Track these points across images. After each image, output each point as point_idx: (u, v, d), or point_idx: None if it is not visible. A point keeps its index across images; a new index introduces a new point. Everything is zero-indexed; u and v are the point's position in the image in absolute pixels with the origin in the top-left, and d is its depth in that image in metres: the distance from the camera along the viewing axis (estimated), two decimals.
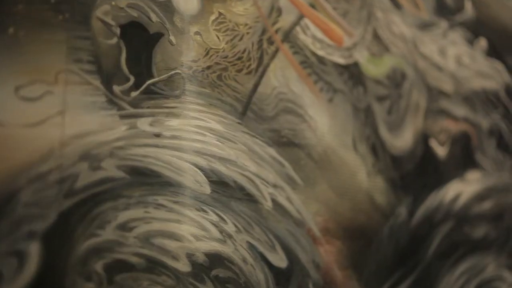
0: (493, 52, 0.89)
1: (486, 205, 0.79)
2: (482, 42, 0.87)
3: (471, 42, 0.85)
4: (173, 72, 0.48)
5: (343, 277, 0.58)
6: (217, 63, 0.51)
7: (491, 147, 0.83)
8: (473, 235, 0.76)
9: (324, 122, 0.60)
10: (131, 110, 0.46)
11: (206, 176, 0.48)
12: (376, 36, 0.68)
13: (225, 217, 0.48)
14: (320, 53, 0.61)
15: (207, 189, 0.48)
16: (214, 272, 0.47)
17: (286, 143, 0.55)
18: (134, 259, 0.43)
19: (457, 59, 0.81)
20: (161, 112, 0.47)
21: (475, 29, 0.86)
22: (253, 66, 0.54)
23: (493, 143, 0.83)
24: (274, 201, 0.53)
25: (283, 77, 0.56)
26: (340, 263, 0.58)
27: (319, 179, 0.58)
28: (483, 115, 0.83)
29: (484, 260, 0.77)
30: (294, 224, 0.54)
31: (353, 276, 0.59)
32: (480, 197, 0.78)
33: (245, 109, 0.53)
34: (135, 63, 0.47)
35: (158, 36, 0.48)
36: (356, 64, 0.65)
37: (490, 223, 0.79)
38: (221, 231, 0.48)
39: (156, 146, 0.46)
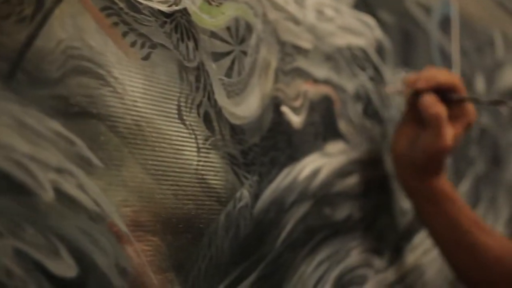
0: (362, 4, 0.83)
1: (350, 181, 0.73)
2: None
3: None
4: None
5: (161, 282, 0.49)
6: None
7: (357, 113, 0.77)
8: (335, 217, 0.70)
9: (136, 86, 0.50)
10: None
11: None
12: None
13: None
14: None
15: None
16: None
17: (79, 114, 0.45)
18: None
19: (318, 11, 0.74)
20: None
21: None
22: (28, 12, 0.43)
23: (359, 108, 0.78)
24: (57, 190, 0.43)
25: (74, 28, 0.46)
26: (157, 265, 0.49)
27: (128, 159, 0.48)
28: (348, 77, 0.76)
29: (348, 244, 0.72)
30: (89, 219, 0.44)
31: (175, 280, 0.51)
32: (343, 172, 0.73)
33: (14, 70, 0.42)
34: None
35: None
36: (184, 13, 0.55)
37: (355, 201, 0.74)
38: None
39: None
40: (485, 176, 1.16)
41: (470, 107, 0.74)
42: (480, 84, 1.18)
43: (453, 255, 0.79)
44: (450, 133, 0.71)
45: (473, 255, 0.77)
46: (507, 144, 1.28)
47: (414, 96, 0.73)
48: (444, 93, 0.72)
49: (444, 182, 0.75)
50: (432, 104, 0.70)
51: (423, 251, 0.89)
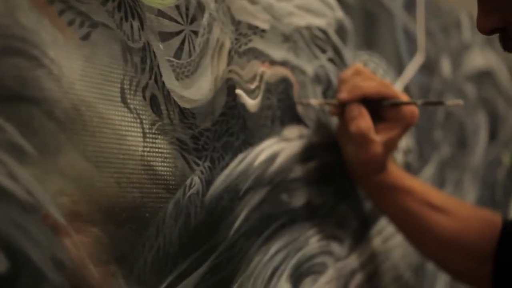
0: None
1: (310, 167, 0.72)
2: None
3: None
4: None
5: (103, 275, 0.47)
6: None
7: (318, 95, 0.76)
8: (293, 204, 0.68)
9: (74, 67, 0.47)
10: None
11: None
12: None
13: None
14: None
15: None
16: None
17: (9, 98, 0.42)
18: None
19: None
20: None
21: None
22: None
23: (319, 91, 0.76)
24: None
25: (5, 5, 0.43)
26: (98, 257, 0.47)
27: (65, 146, 0.46)
28: (307, 58, 0.74)
29: (307, 232, 0.70)
30: (22, 210, 0.42)
31: (118, 272, 0.48)
32: (302, 157, 0.71)
33: None
34: None
35: None
36: None
37: (315, 187, 0.72)
38: None
39: None
40: (450, 159, 1.15)
41: (407, 110, 0.72)
42: (446, 66, 1.17)
43: (410, 238, 0.81)
44: (376, 144, 0.70)
45: (427, 236, 0.78)
46: (473, 127, 1.27)
47: (340, 107, 0.71)
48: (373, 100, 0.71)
49: (389, 173, 0.76)
50: (355, 118, 0.69)
51: (386, 236, 0.88)
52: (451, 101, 0.68)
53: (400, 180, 0.77)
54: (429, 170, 1.06)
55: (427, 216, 0.77)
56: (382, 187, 0.76)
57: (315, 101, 0.74)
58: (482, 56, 1.36)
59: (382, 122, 0.71)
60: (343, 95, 0.70)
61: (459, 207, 0.82)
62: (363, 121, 0.68)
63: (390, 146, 0.73)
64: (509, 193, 1.54)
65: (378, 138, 0.69)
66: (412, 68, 1.01)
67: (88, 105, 0.48)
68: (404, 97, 0.72)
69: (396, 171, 0.77)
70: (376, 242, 0.86)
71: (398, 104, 0.71)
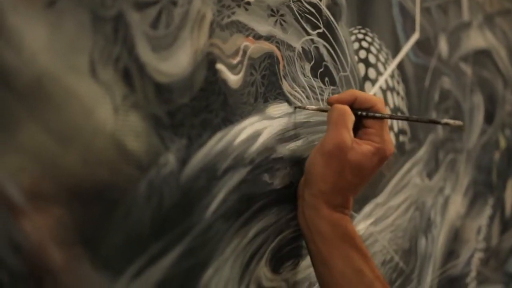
0: None
1: (294, 146, 0.69)
2: None
3: None
4: None
5: (66, 259, 0.44)
6: None
7: (306, 71, 0.72)
8: (274, 185, 0.66)
9: (37, 37, 0.44)
10: None
11: None
12: None
13: None
14: None
15: None
16: None
17: None
18: None
19: None
20: None
21: None
22: None
23: (308, 67, 0.73)
24: None
25: None
26: (62, 239, 0.44)
27: (25, 121, 0.43)
28: (296, 33, 0.71)
29: (289, 214, 0.67)
30: None
31: (84, 255, 0.46)
32: (286, 136, 0.68)
33: None
34: None
35: None
36: None
37: (298, 167, 0.69)
38: None
39: None
40: (445, 141, 1.12)
41: (387, 140, 0.64)
42: (443, 44, 1.13)
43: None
44: (348, 132, 0.62)
45: None
46: (470, 108, 1.24)
47: None
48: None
49: (350, 220, 0.62)
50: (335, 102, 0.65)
51: (373, 220, 0.85)
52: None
53: (359, 238, 0.62)
54: (423, 151, 1.03)
55: None
56: (342, 230, 0.61)
57: (311, 107, 0.71)
58: (481, 35, 1.33)
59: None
60: (331, 98, 0.66)
61: None
62: (344, 106, 0.64)
63: (358, 169, 0.62)
64: (505, 176, 1.51)
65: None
66: (407, 45, 0.98)
67: (52, 77, 0.44)
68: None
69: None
70: (363, 225, 0.83)
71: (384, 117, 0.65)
